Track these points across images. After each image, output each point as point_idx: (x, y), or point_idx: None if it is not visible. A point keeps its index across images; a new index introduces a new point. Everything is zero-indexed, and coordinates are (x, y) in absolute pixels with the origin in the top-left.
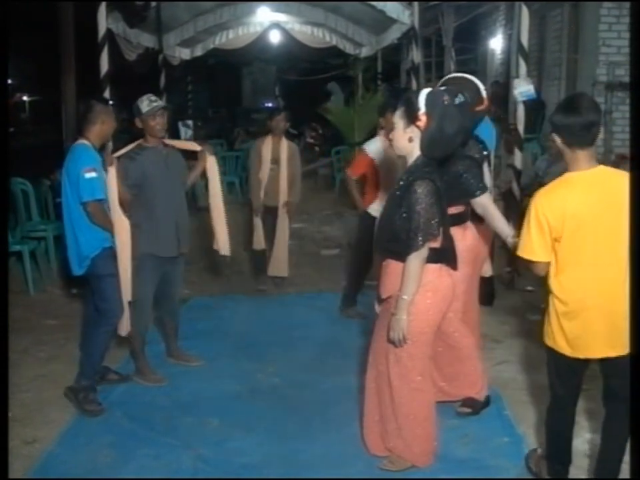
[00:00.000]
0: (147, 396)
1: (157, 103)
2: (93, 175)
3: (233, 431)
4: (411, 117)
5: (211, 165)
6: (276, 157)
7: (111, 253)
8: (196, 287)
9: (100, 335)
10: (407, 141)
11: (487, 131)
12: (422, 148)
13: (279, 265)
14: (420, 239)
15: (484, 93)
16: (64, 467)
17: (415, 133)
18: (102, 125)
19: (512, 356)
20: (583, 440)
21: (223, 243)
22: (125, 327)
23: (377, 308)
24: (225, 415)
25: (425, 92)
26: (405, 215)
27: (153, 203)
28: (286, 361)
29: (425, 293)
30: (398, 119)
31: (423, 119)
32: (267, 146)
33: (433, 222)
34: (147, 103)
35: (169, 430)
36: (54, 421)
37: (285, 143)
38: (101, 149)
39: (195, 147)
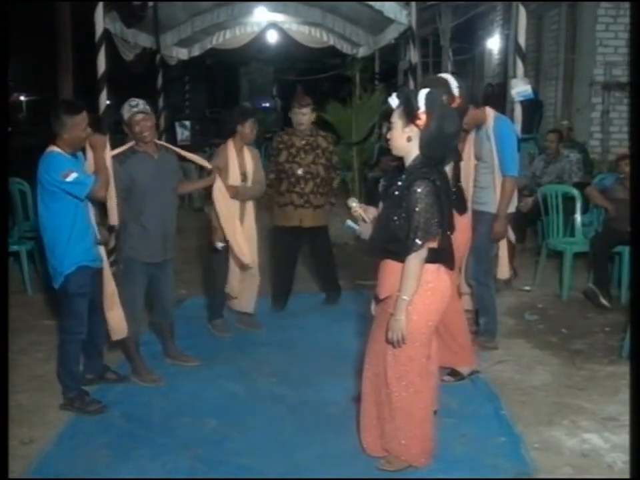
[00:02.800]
0: (144, 396)
1: (136, 108)
2: (74, 175)
3: (231, 431)
4: (410, 116)
5: (218, 188)
6: (243, 171)
7: (88, 272)
8: (193, 286)
9: (68, 351)
10: (405, 140)
11: (506, 129)
12: (421, 147)
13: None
14: (420, 239)
15: (456, 91)
16: (61, 467)
17: (413, 132)
18: (70, 135)
19: (509, 356)
20: (580, 440)
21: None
22: (117, 331)
23: (374, 308)
24: (222, 415)
25: (424, 91)
26: (404, 215)
27: (141, 209)
28: (283, 361)
29: (424, 293)
30: (396, 118)
31: (422, 118)
32: (232, 156)
33: (432, 222)
34: (127, 109)
35: (166, 430)
36: (51, 422)
37: (247, 152)
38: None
39: (205, 163)
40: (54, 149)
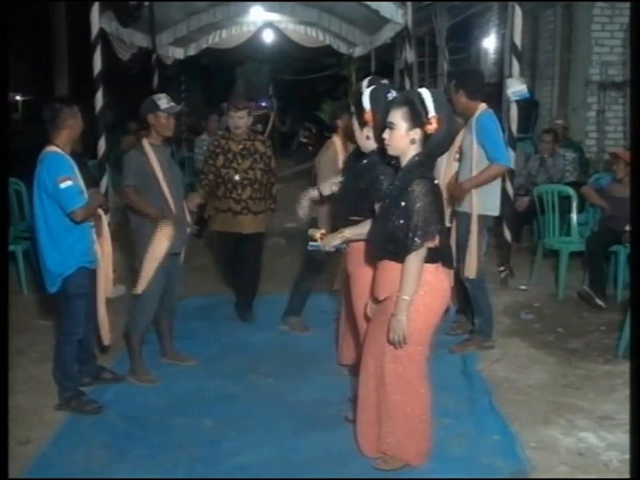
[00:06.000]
0: (141, 396)
1: (173, 103)
2: (69, 183)
3: (227, 430)
4: (419, 121)
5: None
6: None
7: (87, 273)
8: (190, 286)
9: (65, 352)
10: (409, 142)
11: (488, 120)
12: (428, 149)
13: None
14: (419, 238)
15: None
16: (58, 467)
17: (418, 134)
18: (71, 129)
19: (505, 355)
20: (576, 439)
21: None
22: (105, 337)
23: (371, 309)
24: (219, 414)
25: (428, 93)
26: (403, 214)
27: (160, 201)
28: (280, 360)
29: (424, 293)
30: (400, 120)
31: (434, 122)
32: (340, 152)
33: (431, 221)
34: (165, 101)
35: (163, 430)
36: (47, 422)
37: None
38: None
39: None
40: (53, 148)
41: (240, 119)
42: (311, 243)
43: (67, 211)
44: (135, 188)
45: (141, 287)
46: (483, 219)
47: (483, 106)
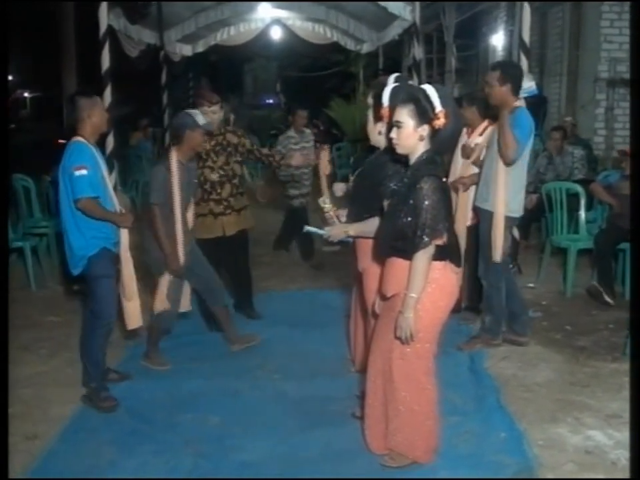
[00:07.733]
0: (148, 392)
1: (207, 122)
2: (83, 172)
3: (233, 427)
4: (426, 116)
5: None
6: None
7: (110, 255)
8: None
9: (96, 337)
10: (417, 139)
11: (524, 121)
12: (437, 144)
13: None
14: (427, 236)
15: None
16: (65, 463)
17: (426, 131)
18: (90, 118)
19: (513, 353)
20: (584, 437)
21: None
22: (134, 321)
23: (378, 306)
24: (225, 411)
25: (432, 89)
26: (411, 211)
27: (168, 223)
28: (286, 357)
29: (432, 290)
30: (407, 117)
31: (441, 117)
32: None
33: (439, 219)
34: (201, 117)
35: (169, 427)
36: (54, 417)
37: None
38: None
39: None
40: (77, 138)
41: (214, 114)
42: (307, 229)
43: (74, 198)
44: (160, 207)
45: (159, 306)
46: (509, 220)
47: (520, 102)
